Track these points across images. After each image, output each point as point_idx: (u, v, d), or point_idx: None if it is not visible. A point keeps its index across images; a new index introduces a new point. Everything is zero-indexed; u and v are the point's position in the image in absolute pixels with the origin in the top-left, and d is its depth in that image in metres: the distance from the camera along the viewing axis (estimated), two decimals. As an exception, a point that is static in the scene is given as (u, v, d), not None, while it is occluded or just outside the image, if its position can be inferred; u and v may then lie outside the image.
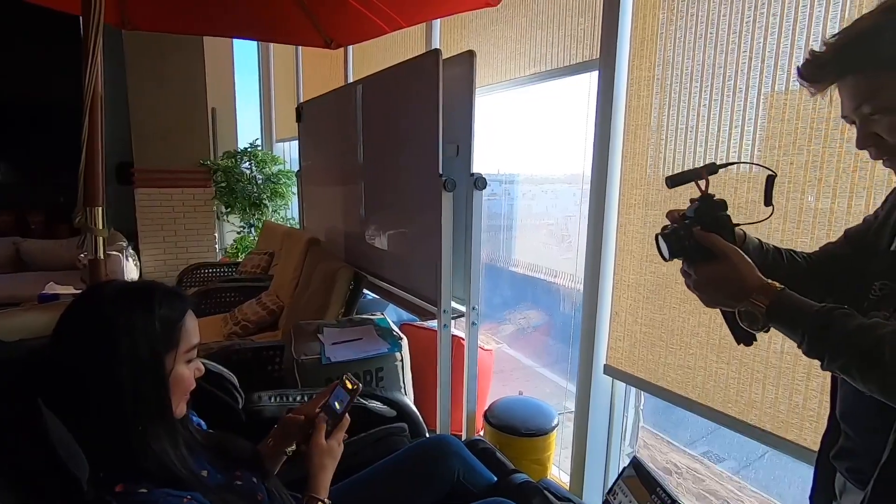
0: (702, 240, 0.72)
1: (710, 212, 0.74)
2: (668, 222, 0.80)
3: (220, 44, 4.81)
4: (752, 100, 1.28)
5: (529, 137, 3.04)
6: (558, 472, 2.10)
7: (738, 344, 0.78)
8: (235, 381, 1.23)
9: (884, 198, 1.06)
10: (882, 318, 0.67)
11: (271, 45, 5.16)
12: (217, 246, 4.78)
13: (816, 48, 0.66)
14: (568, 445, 2.10)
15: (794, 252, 0.86)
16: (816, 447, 1.19)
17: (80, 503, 0.65)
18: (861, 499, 0.67)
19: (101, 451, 0.70)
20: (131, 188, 4.42)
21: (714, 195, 0.76)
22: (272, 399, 1.30)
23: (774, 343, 1.27)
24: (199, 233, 4.62)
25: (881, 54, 0.61)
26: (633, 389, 1.77)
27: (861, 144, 0.68)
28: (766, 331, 0.68)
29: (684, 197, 1.45)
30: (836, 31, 0.65)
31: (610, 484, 1.84)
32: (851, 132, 1.11)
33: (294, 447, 1.06)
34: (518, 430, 1.88)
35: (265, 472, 0.97)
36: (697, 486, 2.50)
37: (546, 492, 1.29)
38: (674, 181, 0.77)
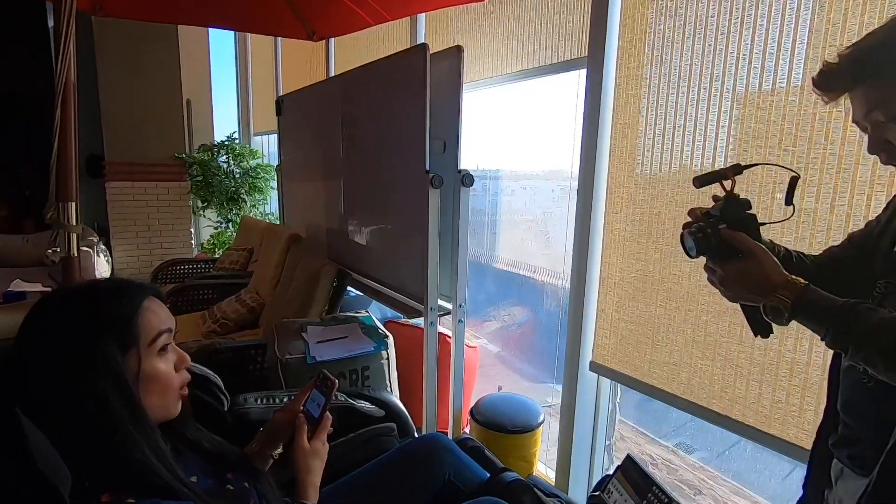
0: (729, 238, 0.74)
1: (736, 211, 0.77)
2: (691, 215, 0.82)
3: (194, 32, 4.67)
4: (738, 100, 1.29)
5: (509, 133, 3.04)
6: (544, 469, 2.11)
7: (756, 336, 0.81)
8: (220, 382, 1.19)
9: (866, 198, 1.10)
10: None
11: (249, 35, 5.04)
12: (193, 242, 4.66)
13: (830, 59, 0.69)
14: (551, 441, 2.12)
15: (802, 254, 0.88)
16: (798, 441, 1.23)
17: (63, 515, 0.62)
18: (865, 484, 0.69)
19: (82, 461, 0.67)
20: (102, 181, 4.26)
21: (739, 195, 0.78)
22: (258, 401, 1.26)
23: (758, 340, 1.29)
24: (174, 228, 4.49)
25: (892, 64, 0.64)
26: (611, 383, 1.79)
27: (872, 150, 0.70)
28: (788, 324, 0.71)
29: (669, 196, 1.47)
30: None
31: (595, 479, 1.86)
32: (836, 133, 1.13)
33: (280, 450, 1.03)
34: (504, 427, 1.88)
35: (256, 475, 0.95)
36: (672, 476, 2.56)
37: (535, 489, 1.29)
38: (701, 181, 0.79)
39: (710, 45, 1.34)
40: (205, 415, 1.09)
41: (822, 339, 0.67)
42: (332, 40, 3.36)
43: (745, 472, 2.63)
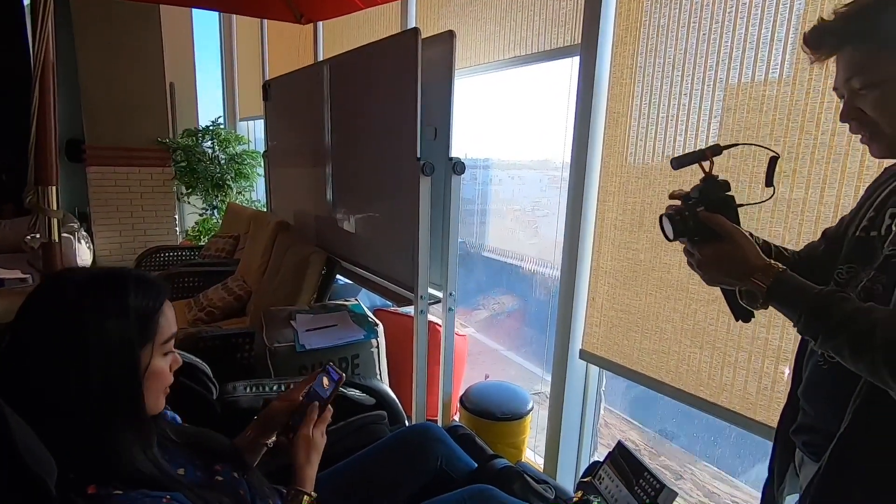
0: (706, 220, 0.73)
1: (714, 192, 0.75)
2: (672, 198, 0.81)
3: (178, 14, 4.55)
4: (731, 90, 1.30)
5: (498, 122, 3.02)
6: (533, 456, 2.14)
7: (737, 321, 0.81)
8: (209, 371, 1.18)
9: (854, 189, 1.11)
10: None
11: (234, 17, 4.92)
12: (177, 228, 4.57)
13: (825, 16, 0.68)
14: (538, 428, 2.14)
15: (781, 247, 0.89)
16: (783, 427, 1.25)
17: (49, 507, 0.60)
18: (815, 470, 0.70)
19: (68, 452, 0.65)
20: (82, 166, 4.16)
21: (718, 176, 0.77)
22: (247, 389, 1.25)
23: (745, 327, 1.32)
24: (158, 214, 4.41)
25: (879, 29, 0.63)
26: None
27: (844, 117, 0.70)
28: (765, 308, 0.70)
29: (663, 184, 1.47)
30: (813, 23, 0.68)
31: (583, 466, 1.89)
32: (826, 124, 1.14)
33: (274, 438, 1.02)
34: (494, 414, 1.90)
35: (245, 465, 0.94)
36: (653, 461, 2.62)
37: (526, 475, 1.30)
38: (679, 162, 0.77)
39: (703, 35, 1.34)
40: (193, 403, 1.08)
41: (794, 325, 0.67)
42: (321, 24, 3.29)
43: (725, 458, 2.70)
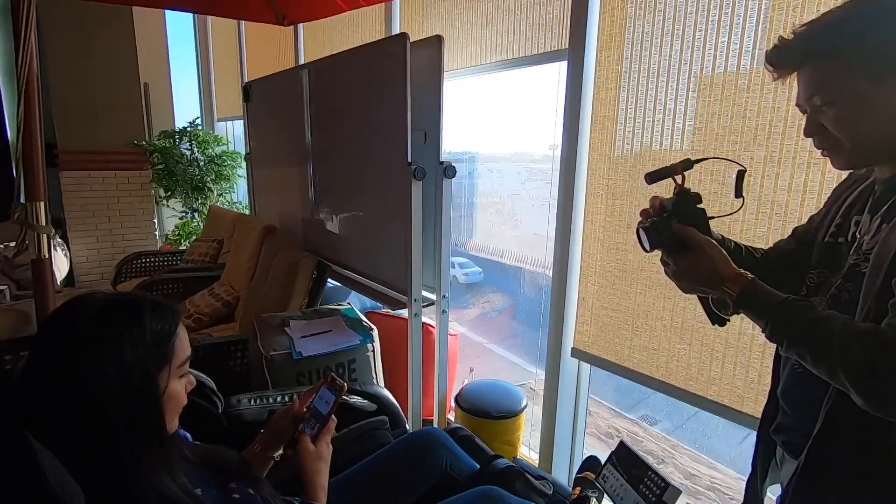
0: (679, 233, 0.77)
1: (686, 206, 0.79)
2: (643, 213, 0.84)
3: (150, 13, 4.43)
4: (716, 96, 1.34)
5: (481, 119, 3.04)
6: (527, 451, 2.18)
7: (713, 325, 0.85)
8: (213, 385, 1.18)
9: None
10: (818, 303, 0.76)
11: (209, 17, 4.81)
12: (157, 233, 4.48)
13: (785, 35, 0.71)
14: (529, 422, 2.18)
15: (751, 247, 0.93)
16: (770, 418, 1.32)
17: (75, 535, 0.61)
18: (794, 468, 0.75)
19: (92, 479, 0.65)
20: (55, 171, 4.03)
21: (690, 189, 0.80)
22: (251, 402, 1.26)
23: (733, 324, 1.37)
24: (137, 219, 4.30)
25: (838, 47, 0.66)
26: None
27: (808, 133, 0.74)
28: (737, 314, 0.74)
29: (648, 188, 1.51)
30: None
31: (577, 461, 1.94)
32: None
33: (281, 451, 1.03)
34: (489, 413, 1.93)
35: (256, 479, 0.95)
36: (636, 446, 2.70)
37: (526, 474, 1.34)
38: (652, 177, 0.81)
39: (688, 41, 1.38)
40: (200, 418, 1.08)
41: (762, 331, 0.71)
42: (301, 25, 3.25)
43: (702, 439, 2.80)
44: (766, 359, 1.31)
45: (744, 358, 1.35)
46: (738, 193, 0.81)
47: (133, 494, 0.68)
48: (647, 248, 0.81)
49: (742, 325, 1.35)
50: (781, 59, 0.72)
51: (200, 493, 0.81)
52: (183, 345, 0.76)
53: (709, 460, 2.75)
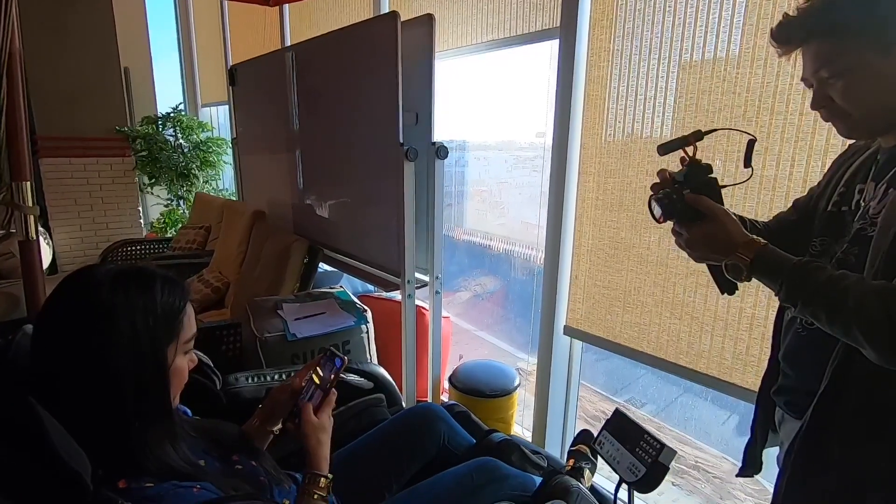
0: (693, 202, 0.79)
1: (698, 176, 0.80)
2: (654, 187, 0.85)
3: (129, -5, 4.31)
4: (706, 73, 1.36)
5: (470, 104, 3.03)
6: (520, 430, 2.22)
7: (722, 294, 0.88)
8: (210, 361, 1.18)
9: (821, 165, 1.20)
10: None
11: (190, -2, 4.70)
12: (142, 221, 4.41)
13: (789, 12, 0.73)
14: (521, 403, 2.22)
15: (754, 220, 0.95)
16: (756, 388, 1.36)
17: (84, 502, 0.61)
18: (799, 426, 0.78)
19: (98, 448, 0.66)
20: (35, 159, 3.93)
21: (701, 160, 0.82)
22: (249, 379, 1.26)
23: (721, 298, 1.40)
24: (121, 207, 4.22)
25: (843, 22, 0.69)
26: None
27: (815, 105, 0.76)
28: (749, 280, 0.76)
29: (640, 166, 1.53)
30: (784, 7, 0.72)
31: (569, 437, 1.98)
32: (795, 104, 1.22)
33: (280, 426, 1.04)
34: (483, 391, 1.96)
35: (257, 452, 0.96)
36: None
37: (521, 447, 1.37)
38: (665, 149, 0.82)
39: (679, 19, 1.39)
40: (199, 395, 1.08)
41: (776, 294, 0.73)
42: (287, 6, 3.19)
43: (689, 421, 2.87)
44: (754, 331, 1.34)
45: (732, 331, 1.39)
46: (748, 163, 0.82)
47: (138, 463, 0.68)
48: (660, 219, 0.82)
49: (730, 299, 1.38)
50: (788, 35, 0.74)
51: (204, 463, 0.81)
52: (190, 321, 0.76)
53: (694, 440, 2.82)
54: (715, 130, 0.90)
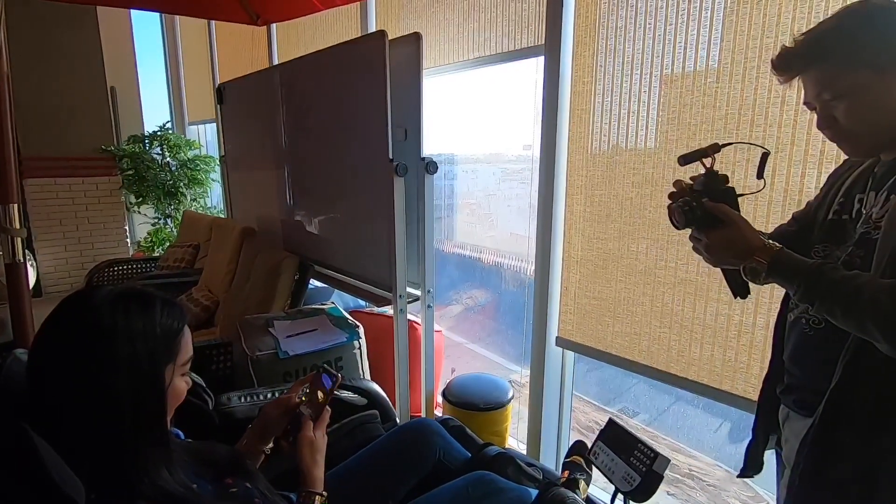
0: (713, 209, 0.83)
1: (716, 185, 0.85)
2: (671, 196, 0.90)
3: (115, 14, 4.32)
4: (687, 87, 1.40)
5: (457, 119, 3.07)
6: (515, 443, 2.21)
7: (735, 297, 0.92)
8: (202, 382, 1.17)
9: (800, 175, 1.24)
10: None
11: (177, 17, 4.72)
12: (129, 240, 4.37)
13: (788, 43, 0.79)
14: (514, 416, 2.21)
15: (759, 232, 0.99)
16: (746, 395, 1.38)
17: (77, 529, 0.60)
18: (810, 423, 0.81)
19: (92, 473, 0.65)
20: (19, 179, 3.89)
21: (718, 171, 0.86)
22: (241, 399, 1.25)
23: (709, 306, 1.43)
24: (107, 226, 4.19)
25: (841, 49, 0.74)
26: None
27: (821, 126, 0.81)
28: (766, 283, 0.81)
29: (625, 179, 1.56)
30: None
31: (563, 448, 1.98)
32: (773, 118, 1.26)
33: (272, 445, 1.03)
34: (477, 405, 1.95)
35: (250, 473, 0.94)
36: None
37: (517, 460, 1.36)
38: (685, 159, 0.86)
39: (659, 35, 1.44)
40: (192, 416, 1.07)
41: (793, 294, 0.78)
42: (275, 25, 3.22)
43: (682, 430, 2.89)
44: (742, 338, 1.37)
45: (721, 339, 1.41)
46: (760, 174, 0.88)
47: (132, 487, 0.67)
48: (680, 227, 0.87)
49: (718, 307, 1.41)
50: (788, 64, 0.79)
51: (196, 487, 0.80)
52: (188, 344, 0.76)
53: (687, 449, 2.83)
54: (731, 144, 0.96)
